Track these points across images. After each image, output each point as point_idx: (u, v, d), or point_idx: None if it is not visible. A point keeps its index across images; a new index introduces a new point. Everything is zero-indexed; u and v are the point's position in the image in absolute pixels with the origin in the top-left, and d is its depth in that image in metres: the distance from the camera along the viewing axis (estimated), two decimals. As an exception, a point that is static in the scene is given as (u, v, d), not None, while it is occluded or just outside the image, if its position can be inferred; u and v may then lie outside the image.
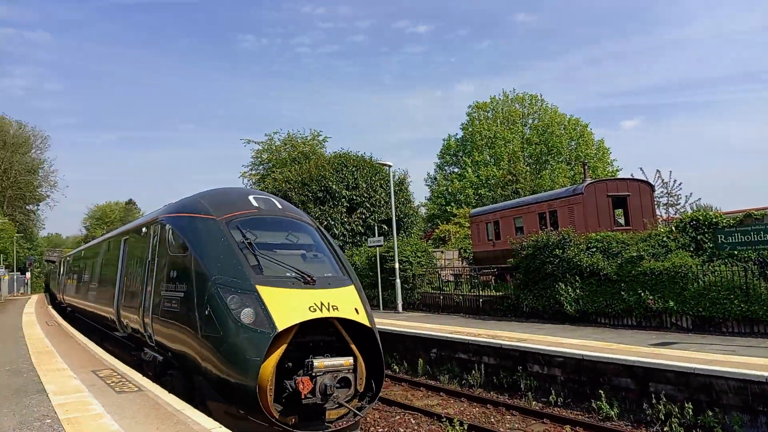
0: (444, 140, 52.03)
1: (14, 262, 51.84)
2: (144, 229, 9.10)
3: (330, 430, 5.57)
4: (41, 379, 9.62)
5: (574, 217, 18.96)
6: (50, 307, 34.04)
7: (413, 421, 9.82)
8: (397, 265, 20.21)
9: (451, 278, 21.38)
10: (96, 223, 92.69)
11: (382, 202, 25.68)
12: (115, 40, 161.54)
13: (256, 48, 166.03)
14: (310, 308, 5.65)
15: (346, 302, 5.97)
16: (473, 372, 12.42)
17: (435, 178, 52.31)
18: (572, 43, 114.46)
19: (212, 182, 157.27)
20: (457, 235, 34.27)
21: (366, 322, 6.15)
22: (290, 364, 5.56)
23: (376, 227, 23.99)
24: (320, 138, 39.82)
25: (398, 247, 20.82)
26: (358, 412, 5.59)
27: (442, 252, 29.58)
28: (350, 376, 5.73)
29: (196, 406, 6.32)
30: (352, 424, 5.83)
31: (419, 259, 21.12)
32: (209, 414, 6.11)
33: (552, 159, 45.52)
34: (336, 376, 5.58)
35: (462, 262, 28.68)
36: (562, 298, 14.50)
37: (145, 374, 8.39)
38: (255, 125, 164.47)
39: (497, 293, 17.69)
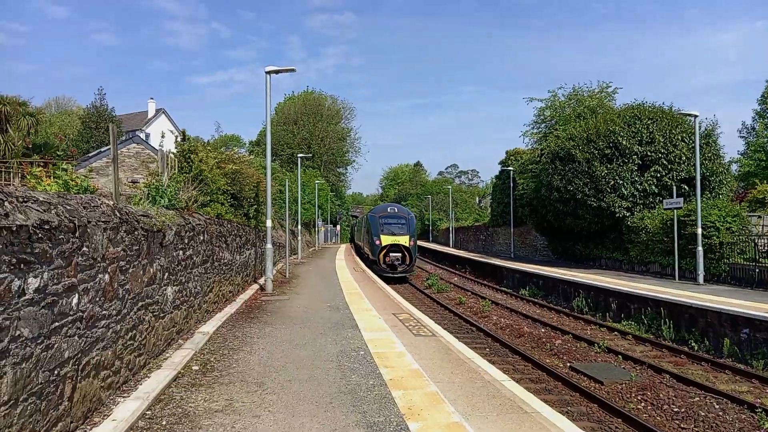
0: (768, 81, 41.58)
1: (328, 216, 63.28)
2: (364, 218, 36.80)
3: (397, 271, 28.86)
4: (354, 317, 11.44)
5: None
6: (355, 255, 40.33)
7: (716, 406, 9.11)
8: (699, 231, 18.33)
9: (773, 248, 18.91)
10: (390, 184, 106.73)
11: (683, 158, 22.36)
12: (404, 13, 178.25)
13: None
14: (392, 241, 29.40)
15: (402, 239, 29.51)
16: (799, 361, 10.99)
17: (753, 128, 42.67)
18: None
19: (494, 141, 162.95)
20: (782, 197, 27.62)
21: (407, 245, 29.69)
22: (387, 255, 29.41)
23: (673, 187, 21.80)
24: (609, 90, 36.25)
25: (702, 210, 18.98)
26: (407, 269, 29.56)
27: (760, 217, 24.71)
28: (401, 258, 29.40)
29: (368, 266, 28.88)
30: (406, 270, 29.32)
31: (729, 224, 18.95)
32: (372, 269, 28.15)
33: None
34: (396, 257, 29.24)
35: (789, 230, 23.96)
36: None
37: (363, 261, 33.08)
38: (537, 82, 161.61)
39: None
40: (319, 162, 61.89)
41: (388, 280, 27.74)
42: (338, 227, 72.61)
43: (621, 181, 22.64)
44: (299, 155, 33.68)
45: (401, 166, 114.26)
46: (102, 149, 25.05)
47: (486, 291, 26.08)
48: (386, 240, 30.15)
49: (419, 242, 69.29)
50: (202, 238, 10.47)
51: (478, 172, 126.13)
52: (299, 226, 33.41)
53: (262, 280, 18.13)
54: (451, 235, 56.82)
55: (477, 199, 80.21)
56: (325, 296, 15.20)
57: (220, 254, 12.51)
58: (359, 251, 41.19)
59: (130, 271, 6.46)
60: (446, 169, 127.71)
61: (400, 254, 30.12)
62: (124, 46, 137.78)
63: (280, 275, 21.72)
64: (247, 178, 16.04)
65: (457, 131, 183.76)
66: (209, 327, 9.79)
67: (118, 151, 21.40)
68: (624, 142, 22.67)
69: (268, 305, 13.36)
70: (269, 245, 16.24)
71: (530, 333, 14.71)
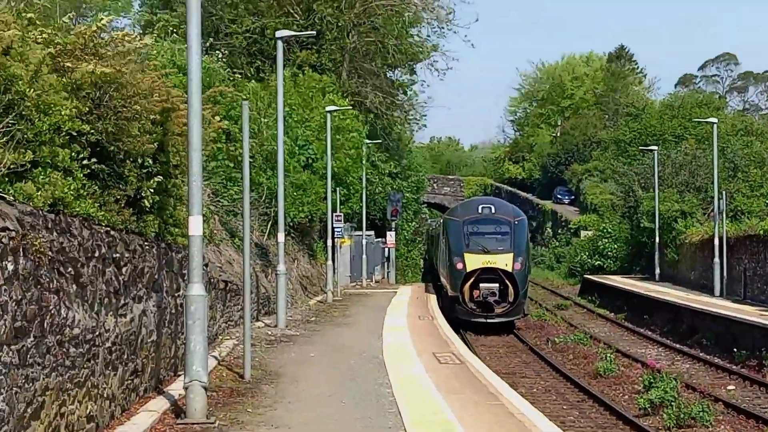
0: None
1: (364, 211, 62.87)
2: (441, 221, 69.79)
3: (493, 313, 48.96)
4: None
5: None
6: (443, 325, 40.21)
7: None
8: None
9: None
10: (535, 114, 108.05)
11: None
12: None
13: None
14: (482, 262, 49.14)
15: (501, 260, 49.28)
16: None
17: None
18: None
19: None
20: None
21: (507, 269, 49.10)
22: (476, 287, 49.69)
23: None
24: None
25: None
26: (511, 309, 50.19)
27: None
28: (498, 291, 48.81)
29: (447, 314, 48.62)
30: (509, 312, 49.51)
31: None
32: (452, 317, 48.68)
33: None
34: (491, 290, 48.55)
35: None
36: None
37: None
38: None
39: None
40: (337, 54, 62.39)
41: (475, 330, 46.82)
42: (390, 239, 72.76)
43: None
44: (281, 33, 33.87)
45: (572, 59, 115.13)
46: None
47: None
48: (473, 261, 47.26)
49: (615, 278, 76.27)
50: (12, 267, 10.73)
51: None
52: (281, 235, 33.70)
53: (176, 386, 18.41)
54: (717, 258, 55.76)
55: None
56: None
57: (63, 314, 12.75)
58: (441, 293, 58.60)
59: None
60: (701, 70, 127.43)
61: (497, 285, 47.13)
62: None
63: (228, 371, 22.25)
64: (137, 100, 16.25)
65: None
66: None
67: None
68: None
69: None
70: (196, 288, 16.34)
71: None
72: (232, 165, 36.35)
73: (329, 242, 50.89)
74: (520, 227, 46.55)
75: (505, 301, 43.71)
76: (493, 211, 47.95)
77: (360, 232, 65.34)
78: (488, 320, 42.87)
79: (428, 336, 32.80)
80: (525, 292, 45.89)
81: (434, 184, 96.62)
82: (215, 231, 31.96)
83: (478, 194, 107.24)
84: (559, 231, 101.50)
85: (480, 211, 48.04)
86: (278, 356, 26.05)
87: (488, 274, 44.12)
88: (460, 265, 44.11)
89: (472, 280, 43.61)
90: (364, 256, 66.89)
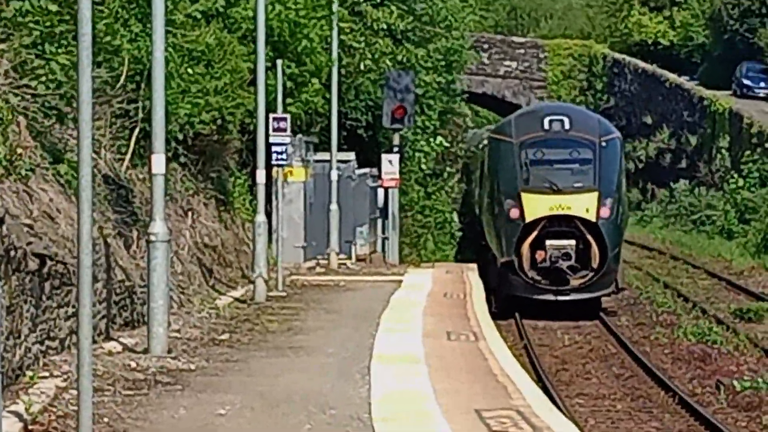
0: None
1: (333, 108, 63.49)
2: (484, 142, 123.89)
3: (567, 287, 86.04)
4: None
5: None
6: (497, 352, 40.06)
7: None
8: None
9: None
10: None
11: None
12: None
13: None
14: (550, 207, 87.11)
15: (580, 204, 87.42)
16: None
17: None
18: None
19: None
20: None
21: (589, 218, 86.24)
22: (540, 246, 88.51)
23: None
24: None
25: None
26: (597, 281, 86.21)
27: None
28: (574, 252, 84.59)
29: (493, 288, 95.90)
30: (590, 286, 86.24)
31: None
32: (500, 293, 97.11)
33: None
34: (563, 251, 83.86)
35: None
36: None
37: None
38: None
39: None
40: None
41: (538, 312, 54.92)
42: (389, 170, 73.30)
43: None
44: None
45: None
46: None
47: None
48: (536, 205, 60.71)
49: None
50: None
51: None
52: (159, 160, 33.80)
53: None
54: None
55: None
56: None
57: None
58: (486, 261, 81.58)
59: None
60: None
61: (572, 242, 61.56)
62: None
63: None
64: None
65: None
66: None
67: None
68: None
69: None
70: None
71: None
72: (55, 7, 35.68)
73: (260, 176, 50.59)
74: (609, 152, 54.44)
75: (587, 267, 51.23)
76: (566, 126, 56.00)
77: (326, 156, 65.62)
78: (559, 297, 51.76)
79: (466, 375, 32.54)
80: (617, 254, 55.64)
81: (486, 56, 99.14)
82: (21, 149, 31.67)
83: (573, 74, 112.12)
84: (747, 155, 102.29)
85: (547, 126, 56.40)
86: (151, 415, 25.33)
87: (559, 225, 53.03)
88: (514, 213, 53.97)
89: (534, 235, 53.91)
90: (333, 206, 67.33)
